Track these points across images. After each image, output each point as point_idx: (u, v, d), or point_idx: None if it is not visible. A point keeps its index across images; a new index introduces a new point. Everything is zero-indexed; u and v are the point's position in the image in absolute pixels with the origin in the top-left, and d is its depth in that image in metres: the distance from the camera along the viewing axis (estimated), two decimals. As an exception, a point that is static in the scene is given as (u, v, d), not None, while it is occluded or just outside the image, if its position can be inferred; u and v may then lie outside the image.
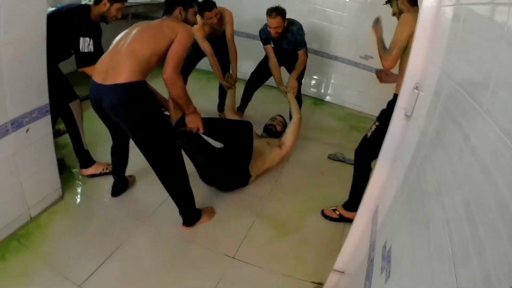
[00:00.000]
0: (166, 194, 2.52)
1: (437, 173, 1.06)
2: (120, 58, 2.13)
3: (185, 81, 4.06)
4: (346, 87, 5.27)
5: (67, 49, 2.73)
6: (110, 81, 2.12)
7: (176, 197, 2.53)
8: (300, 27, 3.65)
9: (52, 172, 2.63)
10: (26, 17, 2.07)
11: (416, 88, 1.55)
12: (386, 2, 2.93)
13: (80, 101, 2.86)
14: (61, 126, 3.29)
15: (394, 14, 2.74)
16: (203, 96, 4.70)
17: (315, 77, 5.40)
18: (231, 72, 4.06)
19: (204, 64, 4.32)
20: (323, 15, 5.00)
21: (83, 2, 2.96)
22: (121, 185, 2.88)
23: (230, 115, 3.88)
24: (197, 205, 2.68)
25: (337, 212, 2.90)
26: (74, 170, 3.09)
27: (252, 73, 4.22)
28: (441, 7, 1.54)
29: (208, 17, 3.63)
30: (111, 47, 2.28)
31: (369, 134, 2.60)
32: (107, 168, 3.03)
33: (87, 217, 2.66)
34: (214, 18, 3.65)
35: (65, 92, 2.72)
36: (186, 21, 2.44)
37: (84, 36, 2.58)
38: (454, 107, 1.06)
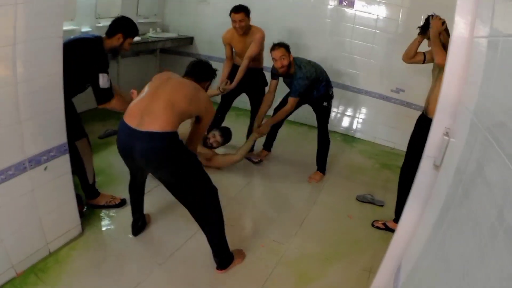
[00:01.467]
0: (186, 235, 2.54)
1: (461, 248, 0.88)
2: (159, 105, 2.14)
3: (222, 119, 4.27)
4: (377, 123, 5.06)
5: (83, 83, 2.69)
6: (147, 127, 2.10)
7: (214, 239, 2.47)
8: (302, 76, 3.47)
9: (71, 209, 2.61)
10: (43, 53, 2.09)
11: (447, 134, 1.38)
12: (421, 32, 2.93)
13: (87, 139, 2.84)
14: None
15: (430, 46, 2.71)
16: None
17: (345, 112, 5.24)
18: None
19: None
20: (352, 48, 4.88)
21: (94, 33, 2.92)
22: (141, 223, 2.83)
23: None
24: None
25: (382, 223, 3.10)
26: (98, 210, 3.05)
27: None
28: (474, 39, 1.36)
29: (233, 19, 3.72)
30: (146, 90, 2.29)
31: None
32: (111, 201, 3.04)
33: (106, 255, 2.60)
34: (238, 22, 3.70)
35: (72, 129, 2.59)
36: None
37: (103, 71, 2.58)
38: (486, 162, 0.89)
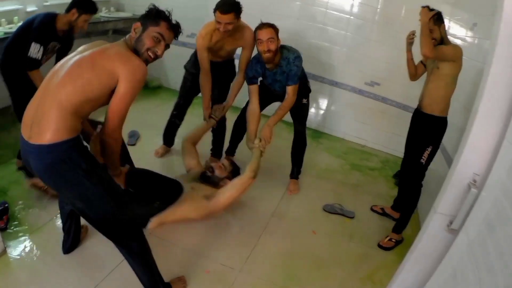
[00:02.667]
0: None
1: None
2: (45, 108, 1.65)
3: (183, 116, 3.58)
4: (348, 118, 4.58)
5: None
6: (34, 139, 1.65)
7: (142, 277, 2.00)
8: (298, 55, 2.89)
9: None
10: None
11: (474, 182, 0.89)
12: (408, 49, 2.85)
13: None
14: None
15: (433, 40, 2.50)
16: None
17: (312, 105, 4.70)
18: (224, 103, 3.28)
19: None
20: (323, 34, 4.35)
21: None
22: (72, 240, 2.37)
23: (187, 146, 3.14)
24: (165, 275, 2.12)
25: (393, 240, 2.84)
26: (23, 220, 2.58)
27: (243, 110, 3.36)
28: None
29: (218, 19, 2.75)
30: (41, 84, 1.77)
31: (424, 160, 2.65)
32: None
33: (30, 277, 2.19)
34: (223, 25, 2.75)
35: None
36: (137, 46, 1.88)
37: (38, 42, 2.65)
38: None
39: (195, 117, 3.82)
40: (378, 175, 3.87)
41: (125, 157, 2.43)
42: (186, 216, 2.48)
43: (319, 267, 2.54)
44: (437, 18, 2.46)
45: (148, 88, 5.00)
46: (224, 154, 3.63)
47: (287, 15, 4.36)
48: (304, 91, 3.14)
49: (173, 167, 3.50)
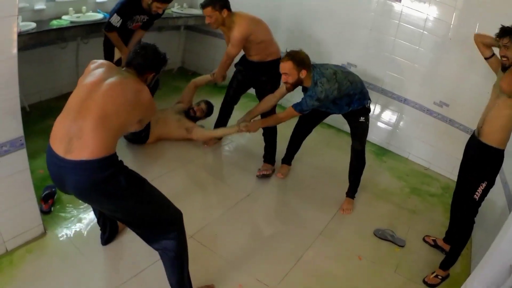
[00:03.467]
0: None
1: None
2: (89, 124, 1.68)
3: (230, 111, 3.91)
4: (413, 137, 4.37)
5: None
6: (76, 155, 1.67)
7: (171, 278, 2.04)
8: (313, 95, 2.81)
9: (31, 207, 2.41)
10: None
11: None
12: (501, 36, 2.31)
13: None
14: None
15: (503, 57, 2.29)
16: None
17: (378, 119, 4.57)
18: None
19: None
20: (395, 48, 4.19)
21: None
22: (109, 233, 2.51)
23: (190, 85, 4.10)
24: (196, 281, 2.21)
25: (439, 277, 2.67)
26: (69, 205, 2.79)
27: (297, 122, 3.50)
28: None
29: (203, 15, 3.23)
30: (74, 97, 1.81)
31: (477, 197, 2.48)
32: None
33: (62, 264, 2.33)
34: (207, 18, 3.18)
35: None
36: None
37: (118, 14, 3.27)
38: None
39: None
40: (437, 202, 3.66)
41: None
42: (175, 137, 3.81)
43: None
44: None
45: (217, 86, 5.10)
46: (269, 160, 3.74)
47: (361, 25, 4.30)
48: (361, 110, 3.07)
49: (220, 157, 3.95)
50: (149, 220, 1.93)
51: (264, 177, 3.55)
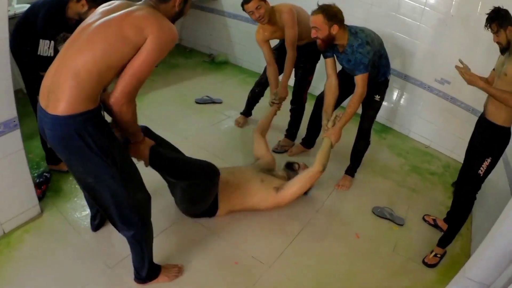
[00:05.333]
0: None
1: None
2: (62, 77, 1.53)
3: (263, 92, 3.88)
4: (414, 114, 4.31)
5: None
6: (51, 109, 1.56)
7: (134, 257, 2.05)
8: (361, 43, 2.66)
9: (27, 188, 2.41)
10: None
11: None
12: (488, 25, 2.31)
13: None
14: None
15: (498, 43, 2.31)
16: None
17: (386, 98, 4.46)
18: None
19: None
20: (395, 23, 4.09)
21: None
22: (100, 220, 2.48)
23: (256, 136, 3.20)
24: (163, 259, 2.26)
25: (438, 256, 2.64)
26: (61, 193, 2.76)
27: (318, 98, 3.36)
28: None
29: (247, 11, 3.05)
30: (60, 51, 1.65)
31: (482, 172, 2.44)
32: None
33: (57, 245, 2.34)
34: (255, 12, 3.00)
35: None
36: (175, 15, 1.84)
37: (44, 38, 2.32)
38: None
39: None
40: (437, 181, 3.62)
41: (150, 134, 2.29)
42: (255, 206, 2.71)
43: (354, 275, 2.45)
44: (504, 19, 2.21)
45: (214, 62, 5.01)
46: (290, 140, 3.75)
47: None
48: (377, 86, 2.97)
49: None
50: (118, 198, 1.76)
51: (281, 152, 3.60)
